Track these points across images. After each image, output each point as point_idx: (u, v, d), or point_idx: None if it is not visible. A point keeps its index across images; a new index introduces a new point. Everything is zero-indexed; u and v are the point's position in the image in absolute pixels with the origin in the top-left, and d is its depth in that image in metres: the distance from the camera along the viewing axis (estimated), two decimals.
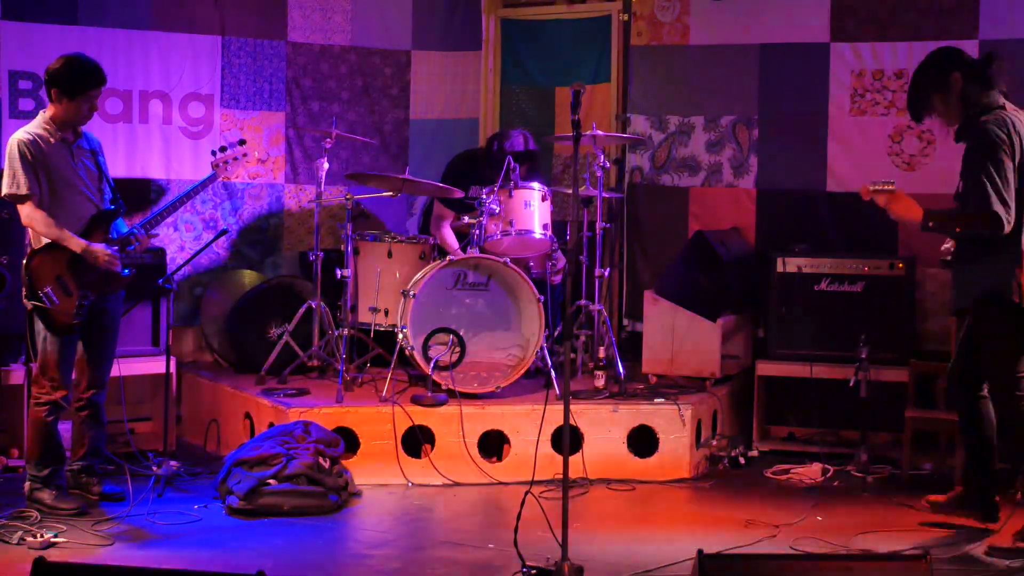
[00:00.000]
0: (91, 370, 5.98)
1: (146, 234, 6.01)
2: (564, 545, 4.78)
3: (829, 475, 6.70)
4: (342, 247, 7.28)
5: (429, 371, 6.60)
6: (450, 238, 7.45)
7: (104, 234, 5.86)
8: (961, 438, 5.93)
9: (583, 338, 7.28)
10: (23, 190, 5.69)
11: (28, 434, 5.91)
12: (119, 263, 5.85)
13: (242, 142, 6.41)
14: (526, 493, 5.00)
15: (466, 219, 7.05)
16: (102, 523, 5.63)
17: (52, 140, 5.76)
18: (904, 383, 6.88)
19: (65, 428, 6.06)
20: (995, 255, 5.37)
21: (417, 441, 6.49)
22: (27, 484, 5.88)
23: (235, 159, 6.29)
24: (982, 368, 5.57)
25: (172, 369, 6.46)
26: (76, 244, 5.73)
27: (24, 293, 5.78)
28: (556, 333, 7.19)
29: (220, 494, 6.00)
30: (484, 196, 6.88)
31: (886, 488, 6.48)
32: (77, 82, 5.73)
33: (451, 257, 6.77)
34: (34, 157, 5.70)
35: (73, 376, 5.96)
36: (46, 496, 5.80)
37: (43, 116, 5.82)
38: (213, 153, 6.31)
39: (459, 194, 7.15)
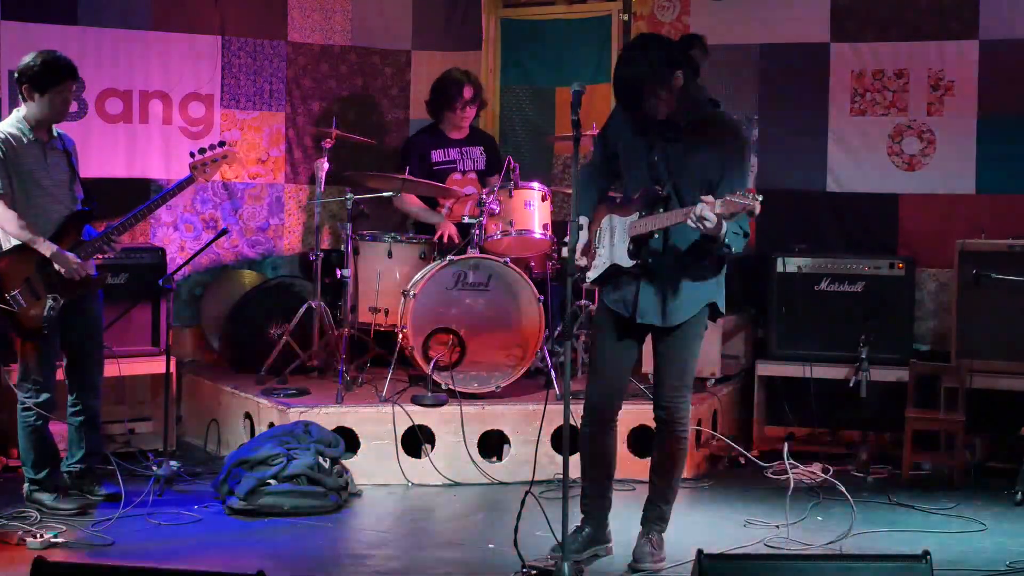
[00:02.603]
0: (78, 374, 5.91)
1: (118, 236, 5.88)
2: (564, 545, 4.77)
3: (829, 475, 6.70)
4: (342, 247, 7.27)
5: (429, 371, 6.60)
6: (414, 202, 7.54)
7: (76, 236, 5.76)
8: (595, 473, 5.29)
9: (583, 338, 7.28)
10: None
11: (20, 438, 5.86)
12: (91, 268, 5.75)
13: (222, 143, 6.17)
14: (526, 493, 4.98)
15: (448, 205, 7.20)
16: (102, 523, 5.61)
17: (25, 140, 5.68)
18: (904, 383, 6.88)
19: (62, 428, 6.04)
20: (713, 260, 5.06)
21: (417, 441, 6.49)
22: (25, 486, 5.87)
23: (214, 161, 6.04)
24: (680, 377, 5.13)
25: (172, 369, 6.44)
26: (46, 248, 5.62)
27: None
28: (556, 333, 7.19)
29: (220, 494, 6.00)
30: (484, 196, 6.90)
31: (886, 488, 6.48)
32: (46, 76, 5.64)
33: (451, 257, 6.76)
34: (6, 156, 5.62)
35: (65, 381, 5.92)
36: (45, 497, 5.79)
37: (16, 115, 5.73)
38: (192, 155, 6.09)
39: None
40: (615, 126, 5.21)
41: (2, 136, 5.65)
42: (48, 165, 5.76)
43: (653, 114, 4.96)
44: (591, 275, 5.19)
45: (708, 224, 4.66)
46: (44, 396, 5.77)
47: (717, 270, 5.11)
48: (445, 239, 7.23)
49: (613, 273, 5.10)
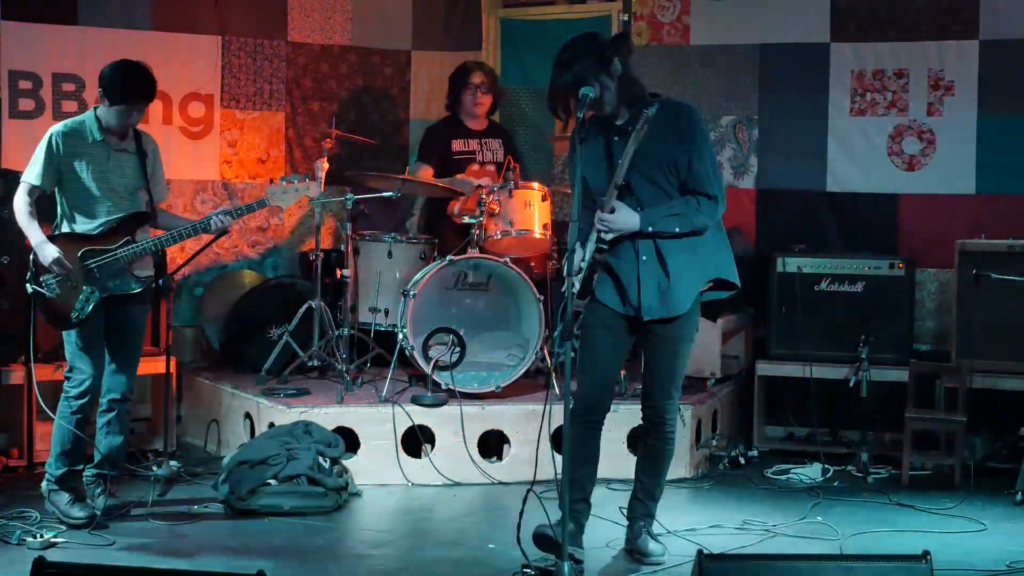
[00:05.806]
0: (110, 376, 5.79)
1: (155, 249, 5.74)
2: (564, 545, 4.77)
3: (829, 475, 6.70)
4: (342, 247, 7.27)
5: (429, 371, 6.60)
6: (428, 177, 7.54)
7: (119, 237, 5.65)
8: (583, 471, 5.11)
9: None
10: (30, 178, 5.59)
11: (54, 428, 5.75)
12: (67, 272, 5.55)
13: (306, 175, 6.07)
14: (528, 491, 4.97)
15: (456, 208, 7.08)
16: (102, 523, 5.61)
17: (89, 139, 5.63)
18: (904, 383, 6.88)
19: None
20: (707, 240, 5.05)
21: (417, 441, 6.49)
22: (43, 483, 5.77)
23: (296, 191, 5.92)
24: (672, 380, 5.13)
25: (172, 369, 6.43)
26: (35, 237, 5.56)
27: (27, 276, 5.64)
28: (556, 333, 7.17)
29: (220, 494, 5.99)
30: (484, 196, 6.90)
31: (886, 488, 6.48)
32: (117, 92, 5.57)
33: (451, 257, 6.76)
34: (61, 149, 5.58)
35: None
36: (61, 500, 5.67)
37: (92, 112, 5.69)
38: (271, 181, 5.99)
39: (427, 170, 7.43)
40: (575, 157, 4.94)
41: (58, 132, 5.62)
42: (108, 168, 5.66)
43: (604, 108, 4.92)
44: (577, 288, 4.94)
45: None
46: (87, 386, 5.66)
47: (710, 245, 5.06)
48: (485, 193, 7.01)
49: (590, 272, 4.97)
